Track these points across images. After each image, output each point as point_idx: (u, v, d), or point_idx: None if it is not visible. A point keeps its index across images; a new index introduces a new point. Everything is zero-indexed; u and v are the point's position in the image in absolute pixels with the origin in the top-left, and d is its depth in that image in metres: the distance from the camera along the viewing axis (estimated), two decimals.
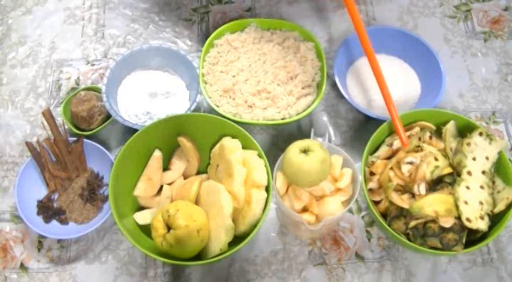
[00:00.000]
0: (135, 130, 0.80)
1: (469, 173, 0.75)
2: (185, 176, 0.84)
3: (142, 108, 0.89)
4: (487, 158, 0.76)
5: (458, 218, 0.72)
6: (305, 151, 0.70)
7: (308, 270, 0.81)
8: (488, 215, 0.73)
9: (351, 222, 0.85)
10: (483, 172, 0.75)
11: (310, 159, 0.69)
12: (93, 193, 0.84)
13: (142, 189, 0.80)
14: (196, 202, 0.78)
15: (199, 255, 0.75)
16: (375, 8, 1.06)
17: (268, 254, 0.82)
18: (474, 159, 0.76)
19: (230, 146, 0.77)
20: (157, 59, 0.94)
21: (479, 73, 0.99)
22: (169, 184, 0.82)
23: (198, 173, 0.84)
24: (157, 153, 0.82)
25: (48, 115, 0.86)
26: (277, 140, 0.92)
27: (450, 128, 0.79)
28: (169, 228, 0.71)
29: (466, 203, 0.72)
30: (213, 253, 0.72)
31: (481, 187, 0.74)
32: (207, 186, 0.77)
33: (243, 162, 0.76)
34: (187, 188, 0.78)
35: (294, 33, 0.93)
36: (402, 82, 0.93)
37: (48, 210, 0.82)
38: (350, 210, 0.86)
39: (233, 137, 0.80)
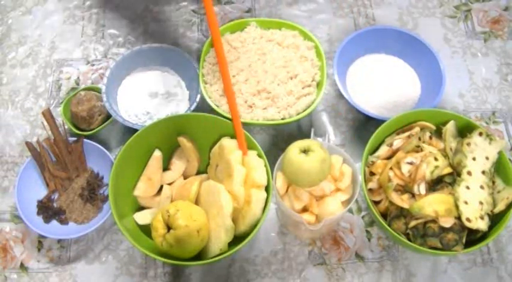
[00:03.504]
0: (135, 130, 0.80)
1: (469, 173, 0.75)
2: (185, 176, 0.84)
3: (142, 108, 0.89)
4: (487, 158, 0.76)
5: (458, 218, 0.72)
6: (305, 151, 0.70)
7: (308, 270, 0.81)
8: (488, 215, 0.73)
9: (351, 222, 0.85)
10: (483, 172, 0.75)
11: (310, 159, 0.69)
12: (93, 193, 0.84)
13: (142, 189, 0.80)
14: (196, 202, 0.78)
15: (199, 255, 0.75)
16: (374, 9, 1.06)
17: (268, 254, 0.82)
18: (474, 159, 0.76)
19: (229, 146, 0.77)
20: (157, 59, 0.94)
21: (479, 73, 0.99)
22: (169, 184, 0.82)
23: (198, 173, 0.84)
24: (157, 153, 0.82)
25: (48, 115, 0.86)
26: (277, 140, 0.92)
27: (450, 128, 0.79)
28: (169, 228, 0.71)
29: (466, 203, 0.72)
30: (213, 253, 0.72)
31: (481, 187, 0.74)
32: (207, 186, 0.77)
33: (242, 162, 0.76)
34: (188, 188, 0.78)
35: (294, 33, 0.93)
36: (402, 82, 0.93)
37: (48, 210, 0.82)
38: (350, 210, 0.86)
39: (233, 137, 0.80)
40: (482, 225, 0.72)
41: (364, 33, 0.94)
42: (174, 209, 0.71)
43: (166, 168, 0.84)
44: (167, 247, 0.71)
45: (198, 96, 0.88)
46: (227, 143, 0.78)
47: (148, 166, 0.82)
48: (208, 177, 0.82)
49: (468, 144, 0.76)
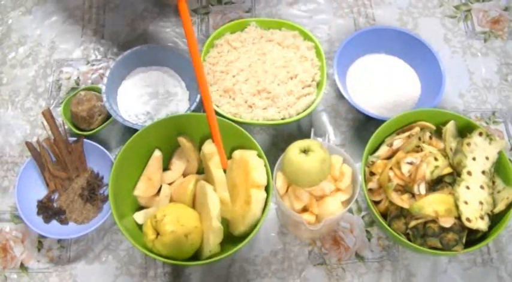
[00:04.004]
0: (135, 130, 0.80)
1: (469, 173, 0.75)
2: (185, 176, 0.84)
3: (142, 108, 0.89)
4: (487, 158, 0.76)
5: (458, 218, 0.72)
6: (305, 151, 0.70)
7: (308, 270, 0.81)
8: (488, 215, 0.73)
9: (351, 222, 0.85)
10: (483, 172, 0.75)
11: (310, 159, 0.69)
12: (93, 193, 0.84)
13: (142, 189, 0.80)
14: (193, 202, 0.78)
15: (198, 255, 0.75)
16: (374, 9, 1.06)
17: (268, 254, 0.82)
18: (474, 159, 0.76)
19: (208, 151, 0.78)
20: (157, 59, 0.93)
21: (479, 73, 0.99)
22: (170, 184, 0.82)
23: (198, 173, 0.84)
24: (157, 153, 0.82)
25: (48, 115, 0.86)
26: (277, 140, 0.92)
27: (450, 128, 0.79)
28: (158, 233, 0.71)
29: (466, 203, 0.72)
30: (204, 255, 0.73)
31: (481, 187, 0.74)
32: (199, 187, 0.77)
33: (242, 162, 0.76)
34: (185, 186, 0.78)
35: (294, 33, 0.93)
36: (402, 82, 0.93)
37: (48, 210, 0.82)
38: (350, 210, 0.86)
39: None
40: (482, 225, 0.72)
41: (364, 33, 0.94)
42: (161, 214, 0.71)
43: (166, 168, 0.84)
44: (158, 251, 0.71)
45: (198, 96, 0.88)
46: (206, 148, 0.78)
47: (148, 166, 0.82)
48: (205, 177, 0.82)
49: (468, 144, 0.76)
